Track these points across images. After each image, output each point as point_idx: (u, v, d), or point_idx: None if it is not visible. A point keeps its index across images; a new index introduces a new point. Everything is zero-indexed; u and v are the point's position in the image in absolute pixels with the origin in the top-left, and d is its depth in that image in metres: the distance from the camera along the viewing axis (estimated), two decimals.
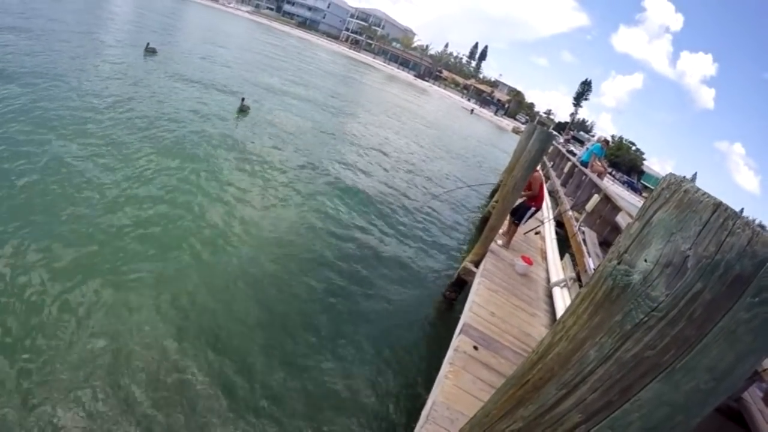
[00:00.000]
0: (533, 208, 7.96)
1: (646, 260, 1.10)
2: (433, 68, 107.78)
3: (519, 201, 7.76)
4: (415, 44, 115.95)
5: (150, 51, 18.71)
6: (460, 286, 7.45)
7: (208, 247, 6.66)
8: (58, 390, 3.83)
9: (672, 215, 1.07)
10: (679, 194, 1.07)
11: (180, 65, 19.01)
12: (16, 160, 6.97)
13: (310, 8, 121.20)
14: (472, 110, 72.99)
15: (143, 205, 7.07)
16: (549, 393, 1.33)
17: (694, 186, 1.06)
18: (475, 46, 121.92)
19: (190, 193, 7.99)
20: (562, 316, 1.38)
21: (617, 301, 1.15)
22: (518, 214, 7.98)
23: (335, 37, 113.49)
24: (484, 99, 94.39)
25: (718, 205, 1.00)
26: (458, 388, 3.95)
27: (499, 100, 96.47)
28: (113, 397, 3.93)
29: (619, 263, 1.16)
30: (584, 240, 8.21)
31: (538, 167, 7.46)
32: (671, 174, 1.14)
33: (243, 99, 15.22)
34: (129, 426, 3.76)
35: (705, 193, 1.03)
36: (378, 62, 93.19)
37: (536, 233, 9.17)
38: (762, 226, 1.06)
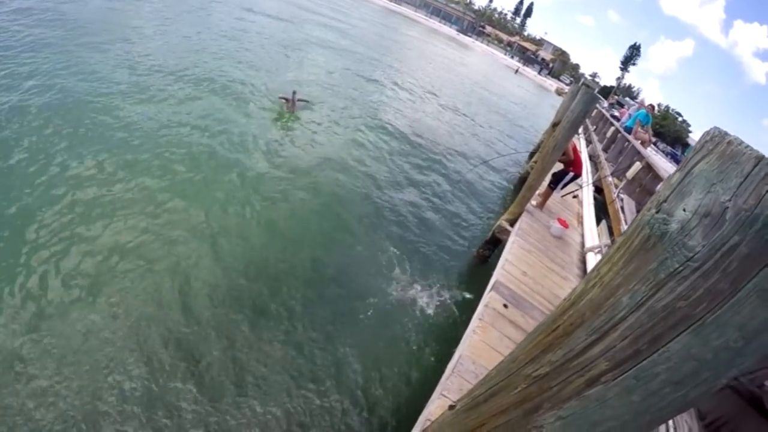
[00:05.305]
0: (571, 174, 7.71)
1: (684, 210, 1.09)
2: (477, 23, 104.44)
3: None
4: None
5: None
6: (495, 244, 7.46)
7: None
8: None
9: (713, 166, 1.06)
10: (722, 146, 1.06)
11: None
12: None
13: None
14: (517, 70, 69.89)
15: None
16: (578, 338, 1.36)
17: (737, 138, 1.04)
18: (521, 2, 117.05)
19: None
20: (597, 264, 1.40)
21: (653, 250, 1.16)
22: (554, 179, 7.82)
23: None
24: (528, 57, 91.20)
25: (760, 159, 0.98)
26: (485, 344, 4.03)
27: (543, 60, 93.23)
28: None
29: (657, 212, 1.16)
30: (622, 208, 8.05)
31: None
32: (715, 127, 1.12)
33: (294, 92, 11.34)
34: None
35: (748, 146, 1.02)
36: (420, 16, 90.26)
37: (574, 197, 9.01)
38: None
